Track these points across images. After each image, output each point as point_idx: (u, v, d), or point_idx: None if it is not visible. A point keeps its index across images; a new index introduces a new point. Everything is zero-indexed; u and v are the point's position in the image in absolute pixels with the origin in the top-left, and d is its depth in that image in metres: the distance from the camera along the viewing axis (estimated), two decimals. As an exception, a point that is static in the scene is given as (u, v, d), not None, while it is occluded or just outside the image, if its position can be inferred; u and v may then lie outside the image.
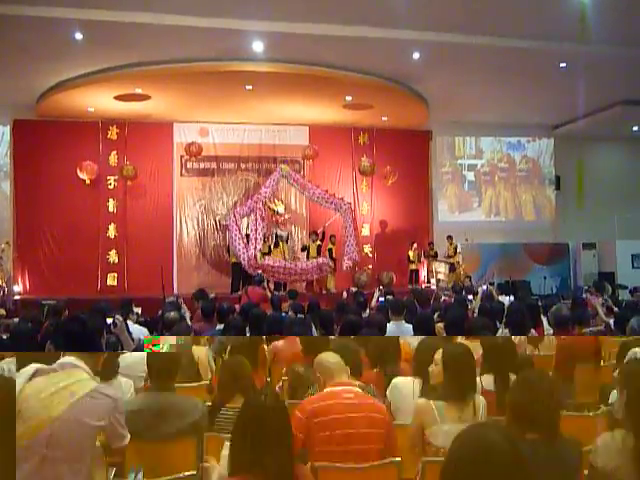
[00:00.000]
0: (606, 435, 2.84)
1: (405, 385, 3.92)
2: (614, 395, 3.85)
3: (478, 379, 4.06)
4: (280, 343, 6.10)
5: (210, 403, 4.01)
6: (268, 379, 5.59)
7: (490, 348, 4.37)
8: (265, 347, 6.09)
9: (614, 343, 6.83)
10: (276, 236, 15.86)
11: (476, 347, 4.74)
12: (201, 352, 5.61)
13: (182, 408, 3.72)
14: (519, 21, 10.75)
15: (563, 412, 4.30)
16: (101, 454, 3.01)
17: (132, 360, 4.99)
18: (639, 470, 2.55)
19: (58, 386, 2.75)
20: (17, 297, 14.76)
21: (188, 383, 4.93)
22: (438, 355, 3.69)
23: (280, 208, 16.18)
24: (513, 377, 4.01)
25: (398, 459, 3.33)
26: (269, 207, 15.98)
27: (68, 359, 2.95)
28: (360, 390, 3.57)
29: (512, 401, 2.94)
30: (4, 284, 14.90)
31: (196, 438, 3.69)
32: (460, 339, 5.68)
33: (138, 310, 8.61)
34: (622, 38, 11.47)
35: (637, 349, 5.45)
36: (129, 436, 3.06)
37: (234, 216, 15.06)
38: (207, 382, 5.00)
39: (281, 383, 5.30)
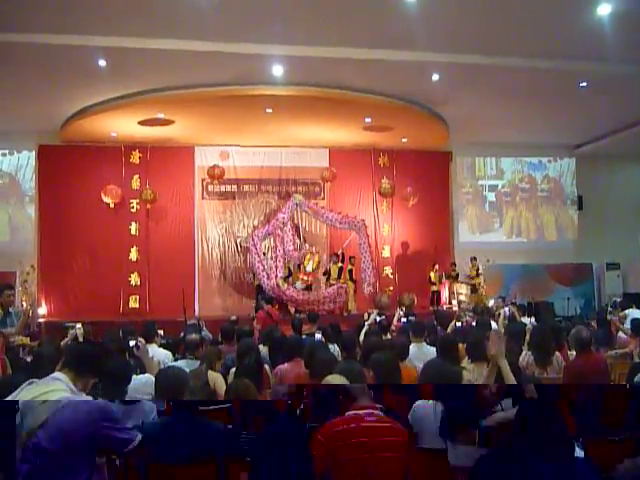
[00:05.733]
0: (628, 462, 2.79)
1: (426, 408, 3.88)
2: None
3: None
4: (285, 366, 6.09)
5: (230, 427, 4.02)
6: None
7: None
8: (268, 369, 6.09)
9: (624, 365, 6.72)
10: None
11: (482, 370, 4.69)
12: (217, 376, 5.61)
13: (203, 432, 3.73)
14: (538, 41, 10.73)
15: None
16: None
17: (138, 382, 5.00)
18: None
19: (38, 397, 2.90)
20: (41, 320, 14.90)
21: (208, 406, 4.91)
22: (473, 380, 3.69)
23: (309, 266, 15.87)
24: None
25: (420, 483, 3.31)
26: (302, 262, 15.86)
27: (53, 374, 3.09)
28: (382, 413, 3.53)
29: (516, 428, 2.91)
30: (28, 307, 15.04)
31: (216, 462, 3.69)
32: (465, 361, 5.63)
33: (161, 332, 8.64)
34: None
35: None
36: (139, 437, 3.10)
37: (253, 239, 15.12)
38: (228, 406, 4.98)
39: None
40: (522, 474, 1.93)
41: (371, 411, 3.45)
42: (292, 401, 5.64)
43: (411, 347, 6.75)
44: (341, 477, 3.19)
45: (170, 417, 3.92)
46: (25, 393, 2.98)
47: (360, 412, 3.41)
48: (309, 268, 15.75)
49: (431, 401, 3.88)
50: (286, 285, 14.68)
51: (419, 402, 4.04)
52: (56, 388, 2.97)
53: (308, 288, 15.44)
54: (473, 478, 1.98)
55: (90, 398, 3.25)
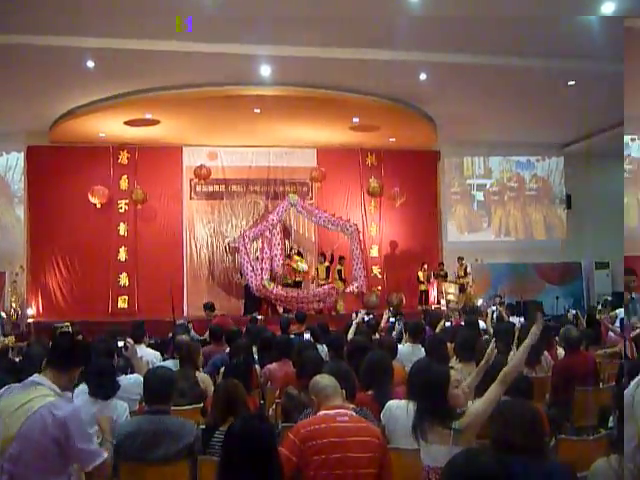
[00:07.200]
0: (601, 460, 2.81)
1: (399, 408, 3.89)
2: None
3: (471, 402, 3.99)
4: (273, 365, 6.11)
5: (204, 426, 4.02)
6: (262, 402, 5.57)
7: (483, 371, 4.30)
8: (258, 369, 6.10)
9: (614, 365, 6.76)
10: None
11: (471, 370, 4.70)
12: (205, 377, 5.61)
13: (176, 431, 3.73)
14: (525, 40, 10.77)
15: (560, 437, 4.27)
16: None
17: (127, 382, 5.00)
18: None
19: (16, 405, 2.85)
20: (30, 320, 14.86)
21: (185, 406, 4.90)
22: (461, 379, 3.68)
23: (302, 266, 15.92)
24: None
25: (394, 483, 3.29)
26: (290, 264, 15.87)
27: (33, 377, 3.02)
28: (354, 413, 3.53)
29: (493, 429, 2.92)
30: (18, 307, 15.03)
31: (190, 461, 3.71)
32: (454, 361, 5.64)
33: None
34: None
35: None
36: (105, 455, 3.04)
37: (243, 239, 15.09)
38: (200, 405, 4.96)
39: (274, 406, 5.28)
40: (495, 474, 1.94)
41: (343, 411, 3.43)
42: (265, 400, 5.66)
43: (405, 347, 6.78)
44: (314, 478, 3.18)
45: (142, 416, 3.92)
46: (7, 402, 2.89)
47: (332, 412, 3.40)
48: (304, 268, 15.75)
49: (404, 401, 3.87)
50: (272, 285, 14.68)
51: (392, 402, 4.02)
52: (39, 394, 2.90)
53: (297, 285, 15.44)
54: (446, 478, 1.99)
55: (71, 399, 3.24)
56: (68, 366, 3.13)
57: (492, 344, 4.06)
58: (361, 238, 16.33)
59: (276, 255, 15.49)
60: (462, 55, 11.37)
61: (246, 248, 14.98)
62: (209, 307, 11.83)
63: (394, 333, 8.69)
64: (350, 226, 15.90)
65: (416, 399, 3.54)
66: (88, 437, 2.98)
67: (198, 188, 16.83)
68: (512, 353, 6.53)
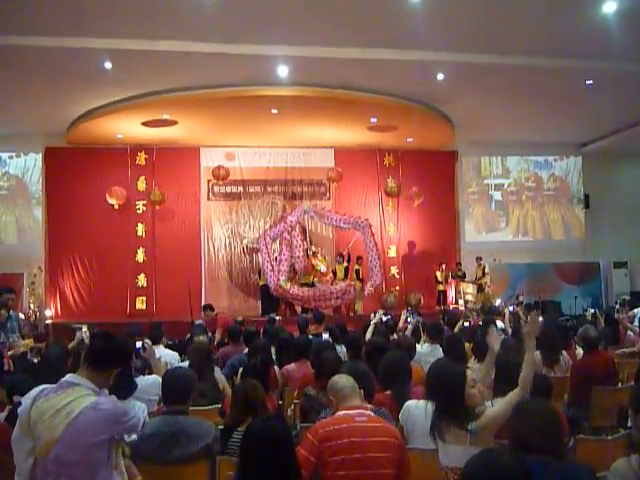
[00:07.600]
0: (621, 460, 2.78)
1: (418, 408, 3.87)
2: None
3: (489, 402, 3.96)
4: (291, 366, 6.13)
5: (222, 426, 4.02)
6: (280, 402, 5.58)
7: (502, 369, 4.29)
8: (277, 370, 6.11)
9: (632, 364, 6.71)
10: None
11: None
12: (222, 377, 5.62)
13: (195, 432, 3.74)
14: (544, 39, 10.70)
15: (578, 437, 4.23)
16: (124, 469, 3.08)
17: (145, 383, 5.01)
18: None
19: (57, 407, 2.85)
20: (48, 321, 14.97)
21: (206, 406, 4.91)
22: (478, 379, 3.67)
23: (322, 267, 15.77)
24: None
25: (412, 483, 3.28)
26: (311, 262, 15.78)
27: (68, 377, 3.02)
28: (373, 413, 3.52)
29: (511, 429, 2.90)
30: (36, 309, 15.14)
31: (208, 462, 3.71)
32: (472, 361, 5.61)
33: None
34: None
35: None
36: (141, 416, 3.26)
37: (264, 239, 15.07)
38: (219, 405, 4.97)
39: (293, 406, 5.29)
40: (514, 474, 1.92)
41: (362, 411, 3.43)
42: (283, 401, 5.67)
43: (424, 347, 6.77)
44: (332, 478, 3.17)
45: (160, 417, 3.92)
46: (46, 404, 2.88)
47: (351, 412, 3.39)
48: (323, 269, 15.71)
49: (422, 401, 3.85)
50: (289, 284, 14.68)
51: (410, 402, 3.99)
52: (79, 395, 2.91)
53: (313, 285, 15.42)
54: (465, 479, 1.98)
55: (108, 396, 3.27)
56: (106, 366, 3.13)
57: (499, 335, 4.04)
58: (374, 232, 16.11)
59: (299, 257, 15.45)
60: (480, 55, 11.32)
61: (267, 248, 14.93)
62: (208, 308, 11.86)
63: (408, 328, 8.63)
64: (362, 222, 15.80)
65: (434, 399, 3.53)
66: (129, 415, 3.07)
67: (216, 189, 16.87)
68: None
